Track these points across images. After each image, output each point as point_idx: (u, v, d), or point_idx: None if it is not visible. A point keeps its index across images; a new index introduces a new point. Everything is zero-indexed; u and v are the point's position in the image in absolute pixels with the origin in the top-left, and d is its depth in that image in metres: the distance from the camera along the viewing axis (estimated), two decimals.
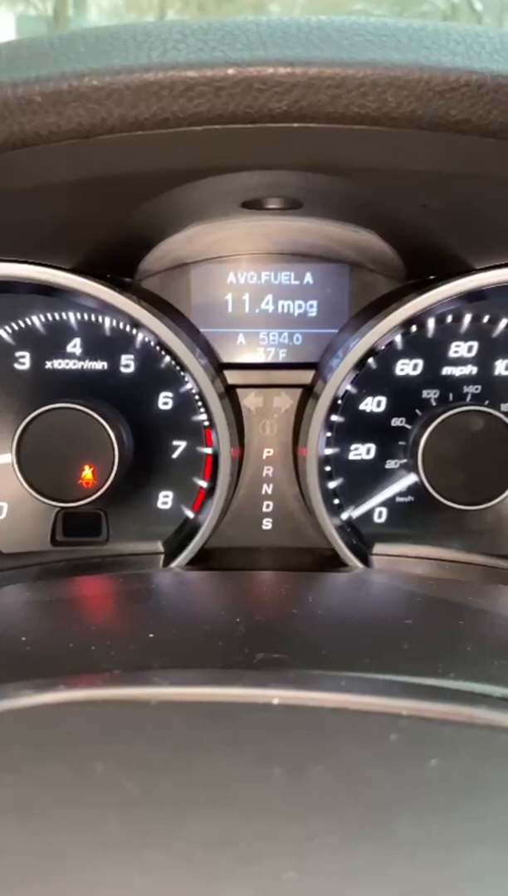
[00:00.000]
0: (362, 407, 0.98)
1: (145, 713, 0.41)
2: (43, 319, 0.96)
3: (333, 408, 0.92)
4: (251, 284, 1.03)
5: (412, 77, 0.49)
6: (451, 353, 0.96)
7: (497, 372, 0.97)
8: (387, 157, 0.56)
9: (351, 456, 0.99)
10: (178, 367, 0.94)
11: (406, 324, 0.91)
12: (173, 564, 0.93)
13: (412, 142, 0.52)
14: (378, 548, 0.96)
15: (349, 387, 0.95)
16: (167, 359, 0.95)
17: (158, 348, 0.95)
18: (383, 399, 0.98)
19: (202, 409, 0.94)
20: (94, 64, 0.49)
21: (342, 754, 0.37)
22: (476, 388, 0.97)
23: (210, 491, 0.96)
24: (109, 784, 0.35)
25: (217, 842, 0.31)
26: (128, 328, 0.96)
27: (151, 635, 0.55)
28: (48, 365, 0.97)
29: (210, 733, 0.39)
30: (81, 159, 0.54)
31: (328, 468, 0.97)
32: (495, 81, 0.49)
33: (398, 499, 0.99)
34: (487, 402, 0.94)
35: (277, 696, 0.42)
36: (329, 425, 0.95)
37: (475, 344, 0.96)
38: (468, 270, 0.86)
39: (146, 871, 0.30)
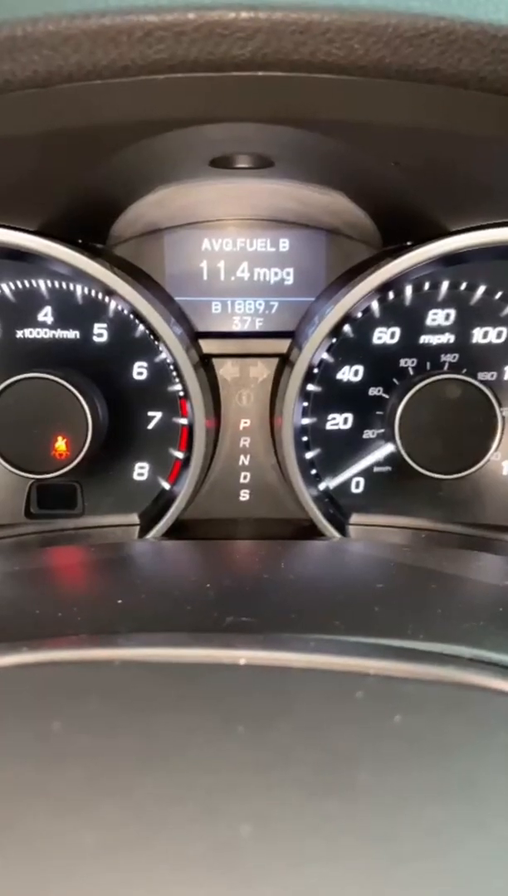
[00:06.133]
0: (339, 376, 0.97)
1: (108, 674, 0.40)
2: (12, 287, 0.94)
3: (309, 377, 0.92)
4: (226, 251, 1.02)
5: (379, 23, 0.47)
6: (429, 321, 0.95)
7: (474, 340, 0.96)
8: (356, 109, 0.54)
9: (328, 426, 0.98)
10: (152, 337, 0.92)
11: (382, 290, 0.90)
12: (149, 536, 0.93)
13: (381, 92, 0.50)
14: (356, 517, 0.95)
15: (325, 355, 0.94)
16: (141, 328, 0.94)
17: (131, 317, 0.93)
18: (360, 368, 0.97)
19: (177, 379, 0.93)
20: (49, 9, 0.47)
21: (305, 712, 0.37)
22: (454, 357, 0.96)
23: (186, 462, 0.95)
24: (69, 743, 0.35)
25: (175, 799, 0.31)
26: (100, 296, 0.94)
27: (119, 601, 0.54)
28: (19, 334, 0.95)
29: (176, 692, 0.39)
30: (41, 110, 0.52)
31: (305, 438, 0.97)
32: (465, 28, 0.48)
33: (376, 469, 0.98)
34: (464, 370, 0.94)
35: (243, 656, 0.42)
36: (306, 395, 0.94)
37: (452, 311, 0.95)
38: (443, 234, 0.84)
39: (105, 828, 0.29)
